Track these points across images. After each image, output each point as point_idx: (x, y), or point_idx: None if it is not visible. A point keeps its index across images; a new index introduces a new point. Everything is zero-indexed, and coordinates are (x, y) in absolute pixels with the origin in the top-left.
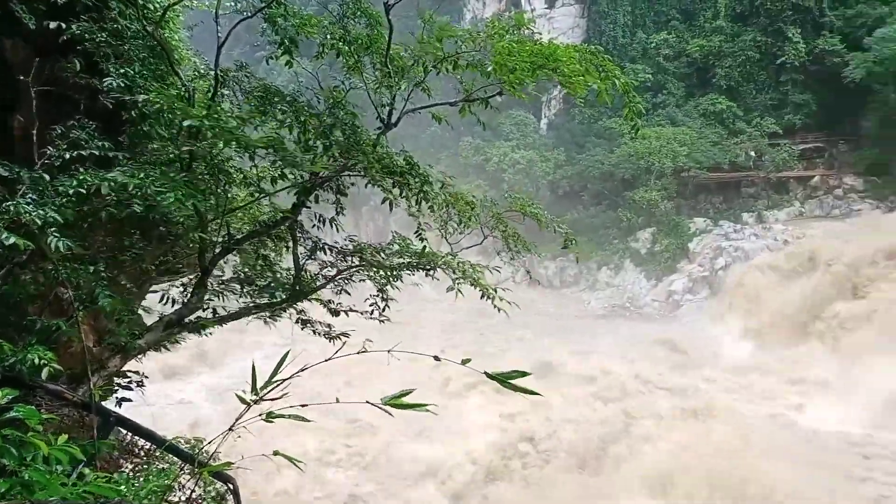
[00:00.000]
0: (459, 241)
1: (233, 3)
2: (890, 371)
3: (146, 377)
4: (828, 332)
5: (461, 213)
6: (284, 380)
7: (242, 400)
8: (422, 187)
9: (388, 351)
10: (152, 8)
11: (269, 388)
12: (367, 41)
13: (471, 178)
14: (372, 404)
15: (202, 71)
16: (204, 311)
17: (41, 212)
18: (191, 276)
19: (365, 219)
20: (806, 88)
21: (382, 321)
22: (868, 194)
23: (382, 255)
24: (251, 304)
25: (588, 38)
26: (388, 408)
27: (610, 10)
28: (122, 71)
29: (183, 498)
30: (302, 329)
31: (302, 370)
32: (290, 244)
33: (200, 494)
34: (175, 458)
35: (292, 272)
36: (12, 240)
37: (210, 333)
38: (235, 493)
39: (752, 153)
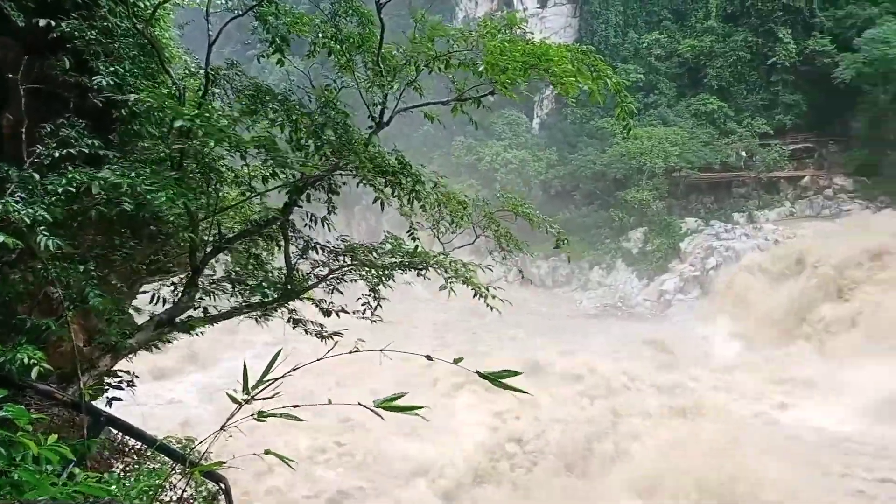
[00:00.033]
0: (451, 240)
1: (224, 2)
2: (875, 373)
3: (137, 377)
4: (814, 334)
5: (453, 212)
6: (276, 379)
7: (234, 399)
8: (414, 187)
9: (381, 350)
10: (142, 6)
11: (261, 388)
12: (358, 40)
13: (463, 178)
14: (364, 406)
15: (193, 69)
16: (195, 310)
17: (30, 210)
18: (181, 276)
19: (357, 218)
20: (796, 89)
21: (374, 321)
22: (858, 194)
23: (374, 254)
24: (242, 304)
25: (580, 38)
26: (379, 410)
27: (602, 9)
28: (111, 69)
29: (174, 497)
30: (294, 329)
31: (294, 370)
32: (282, 243)
33: (192, 494)
34: (166, 458)
35: (284, 271)
36: (1, 238)
37: (201, 333)
38: (227, 493)
39: (743, 153)
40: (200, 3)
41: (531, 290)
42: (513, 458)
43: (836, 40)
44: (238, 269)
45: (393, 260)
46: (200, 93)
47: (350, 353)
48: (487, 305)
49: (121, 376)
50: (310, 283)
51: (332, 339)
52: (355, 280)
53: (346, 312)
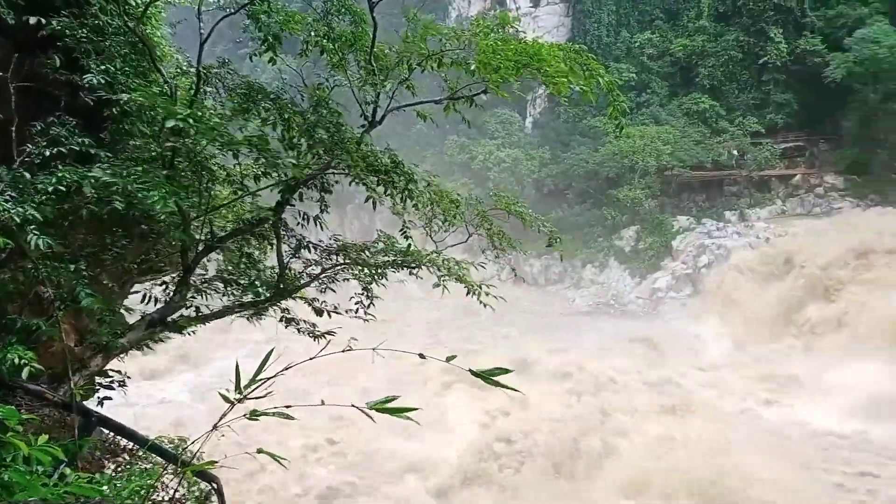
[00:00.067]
0: (444, 238)
1: (216, 0)
2: (860, 372)
3: (128, 377)
4: (802, 334)
5: (446, 211)
6: (268, 378)
7: (226, 399)
8: (406, 185)
9: (373, 349)
10: (133, 4)
11: (253, 387)
12: (351, 38)
13: (456, 177)
14: (357, 408)
15: (185, 68)
16: (187, 309)
17: (20, 209)
18: (173, 275)
19: (350, 217)
20: (787, 88)
21: (367, 320)
22: (848, 193)
23: (367, 253)
24: (235, 303)
25: (573, 37)
26: (372, 412)
27: (594, 9)
28: (103, 67)
29: (166, 498)
30: (286, 328)
31: (286, 369)
32: (274, 242)
33: (184, 494)
34: (159, 458)
35: (276, 270)
36: None
37: (193, 332)
38: (219, 493)
39: (735, 152)
40: (192, 1)
41: (524, 289)
42: (500, 458)
43: (826, 40)
44: (230, 268)
45: (386, 259)
46: (192, 91)
47: (343, 351)
48: (481, 303)
49: (112, 376)
50: (302, 281)
51: (325, 338)
52: (348, 279)
53: (339, 313)
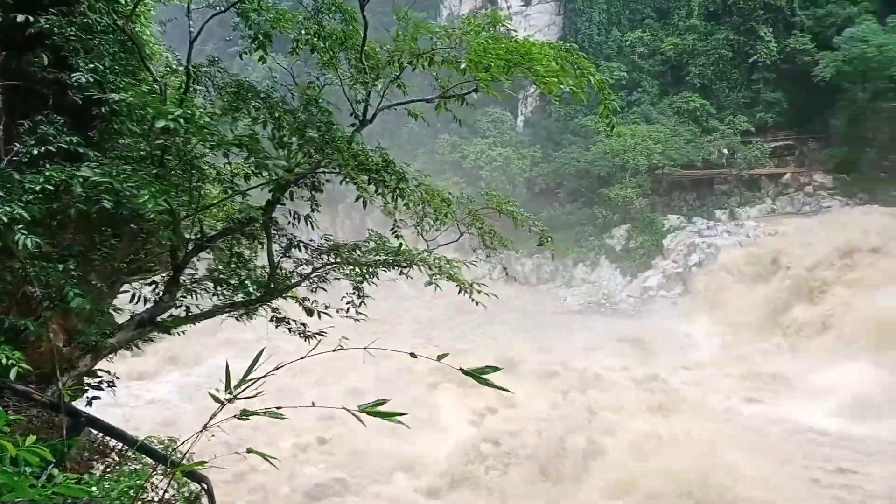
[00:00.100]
0: (436, 237)
1: None
2: (845, 372)
3: (117, 377)
4: (788, 335)
5: (437, 209)
6: (259, 378)
7: (216, 399)
8: (398, 184)
9: (365, 348)
10: (122, 2)
11: (244, 387)
12: (342, 37)
13: (447, 175)
14: (347, 410)
15: (174, 66)
16: (177, 309)
17: (8, 208)
18: (163, 275)
19: (341, 216)
20: (777, 87)
21: (358, 319)
22: (837, 191)
23: (358, 252)
24: (225, 303)
25: (564, 36)
26: (362, 415)
27: (585, 7)
28: (91, 66)
29: (156, 498)
30: (277, 327)
31: (276, 368)
32: (265, 241)
33: (174, 495)
34: (148, 459)
35: (267, 270)
36: None
37: (182, 332)
38: (209, 493)
39: (725, 151)
40: None
41: (516, 288)
42: (489, 459)
43: (816, 39)
44: (221, 267)
45: (377, 258)
46: (182, 90)
47: (334, 351)
48: (473, 300)
49: (101, 376)
50: (293, 281)
51: (315, 338)
52: (339, 279)
53: (328, 315)
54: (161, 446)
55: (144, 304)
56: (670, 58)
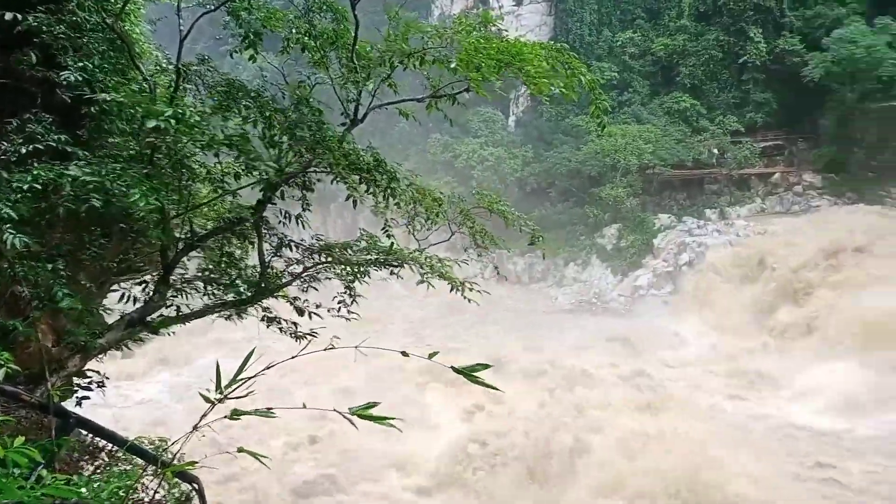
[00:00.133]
0: (427, 237)
1: None
2: (831, 373)
3: (107, 377)
4: (774, 337)
5: (428, 209)
6: (249, 378)
7: (206, 399)
8: (389, 184)
9: (356, 347)
10: (112, 0)
11: (234, 387)
12: (332, 36)
13: (439, 175)
14: (339, 413)
15: (164, 65)
16: (167, 308)
17: None
18: (153, 274)
19: (333, 215)
20: (767, 87)
21: (350, 318)
22: (826, 191)
23: (350, 251)
24: (216, 302)
25: (555, 36)
26: (353, 418)
27: (577, 8)
28: (80, 65)
29: (146, 499)
30: (268, 327)
31: (268, 368)
32: (256, 241)
33: (164, 495)
34: (139, 460)
35: (258, 269)
36: None
37: (173, 332)
38: (200, 493)
39: (715, 150)
40: None
41: (507, 287)
42: (477, 460)
43: (805, 40)
44: (211, 266)
45: (368, 257)
46: (171, 88)
47: (325, 350)
48: (465, 298)
49: (90, 377)
50: (284, 280)
51: (306, 338)
52: (330, 278)
53: (318, 316)
54: (152, 447)
55: (134, 304)
56: (661, 58)
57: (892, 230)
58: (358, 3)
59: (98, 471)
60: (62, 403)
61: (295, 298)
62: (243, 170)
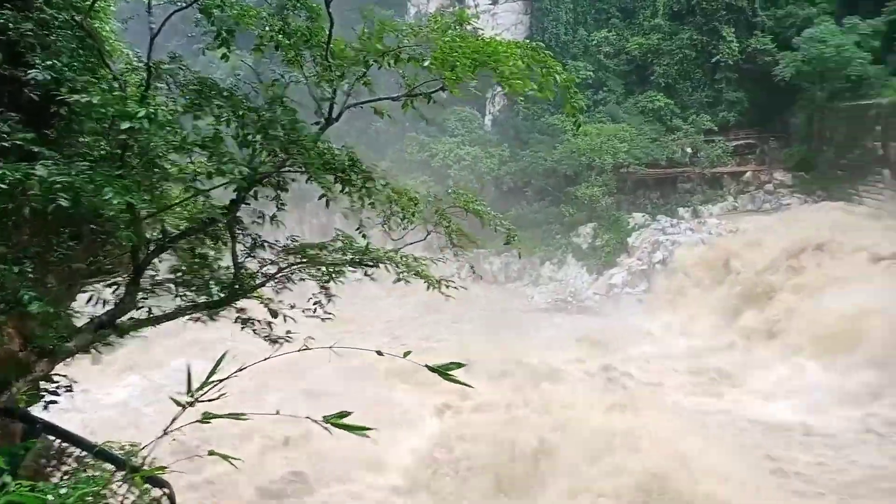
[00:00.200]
0: (403, 236)
1: None
2: (796, 373)
3: (75, 382)
4: (741, 338)
5: (404, 208)
6: (221, 380)
7: (177, 402)
8: (364, 184)
9: (330, 347)
10: None
11: (206, 390)
12: (307, 34)
13: (416, 174)
14: (313, 420)
15: (135, 63)
16: (138, 311)
17: None
18: (123, 276)
19: (309, 215)
20: (739, 86)
21: (325, 319)
22: (796, 189)
23: (325, 251)
24: (188, 304)
25: (531, 35)
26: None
27: (552, 7)
28: (49, 63)
29: None
30: (242, 329)
31: (240, 370)
32: (229, 241)
33: (135, 501)
34: (109, 465)
35: (231, 270)
36: None
37: (145, 336)
38: (171, 498)
39: (689, 149)
40: None
41: (484, 287)
42: (455, 463)
43: (776, 39)
44: (184, 268)
45: (344, 257)
46: (142, 87)
47: (299, 351)
48: (442, 294)
49: (58, 381)
50: (258, 281)
51: (279, 343)
52: (304, 279)
53: (292, 318)
54: (121, 452)
55: (104, 307)
56: (635, 57)
57: (854, 226)
58: (332, 1)
59: (66, 477)
60: (28, 409)
61: (269, 300)
62: (215, 170)
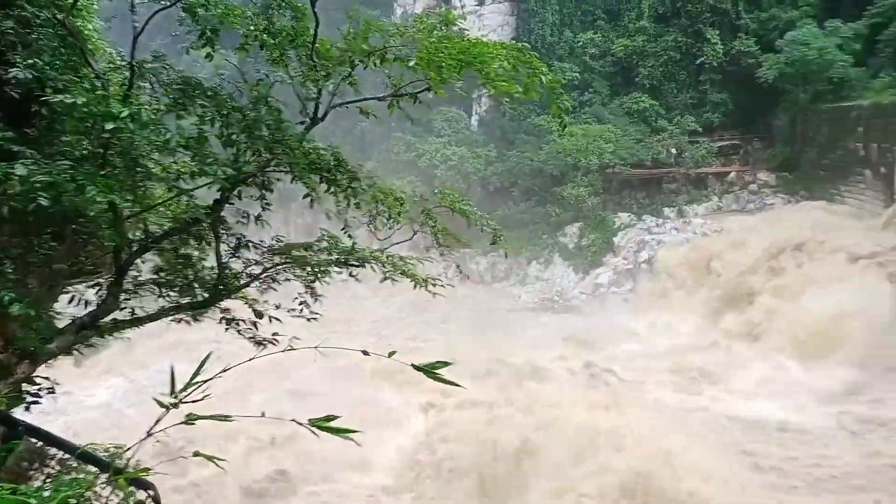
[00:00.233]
0: (390, 236)
1: None
2: (777, 374)
3: (57, 383)
4: (724, 339)
5: (390, 208)
6: (205, 381)
7: (161, 404)
8: (349, 184)
9: (315, 347)
10: None
11: (189, 391)
12: (292, 34)
13: (403, 175)
14: (298, 423)
15: (118, 62)
16: (121, 311)
17: None
18: (106, 277)
19: (294, 215)
20: (723, 88)
21: (310, 319)
22: (780, 189)
23: (310, 252)
24: (171, 305)
25: (517, 36)
26: (314, 429)
27: (539, 8)
28: (30, 62)
29: None
30: (226, 330)
31: (224, 371)
32: (213, 241)
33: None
34: (93, 468)
35: (216, 270)
36: None
37: (128, 337)
38: (156, 500)
39: (674, 150)
40: None
41: (470, 287)
42: (439, 464)
43: (760, 41)
44: (167, 268)
45: (329, 257)
46: (125, 87)
47: (284, 351)
48: (429, 292)
49: (40, 383)
50: (242, 281)
51: (264, 345)
52: (288, 280)
53: (277, 319)
54: (105, 454)
55: (86, 308)
56: (621, 59)
57: (835, 225)
58: (318, 0)
59: (48, 480)
60: (10, 411)
61: (254, 300)
62: (199, 170)
